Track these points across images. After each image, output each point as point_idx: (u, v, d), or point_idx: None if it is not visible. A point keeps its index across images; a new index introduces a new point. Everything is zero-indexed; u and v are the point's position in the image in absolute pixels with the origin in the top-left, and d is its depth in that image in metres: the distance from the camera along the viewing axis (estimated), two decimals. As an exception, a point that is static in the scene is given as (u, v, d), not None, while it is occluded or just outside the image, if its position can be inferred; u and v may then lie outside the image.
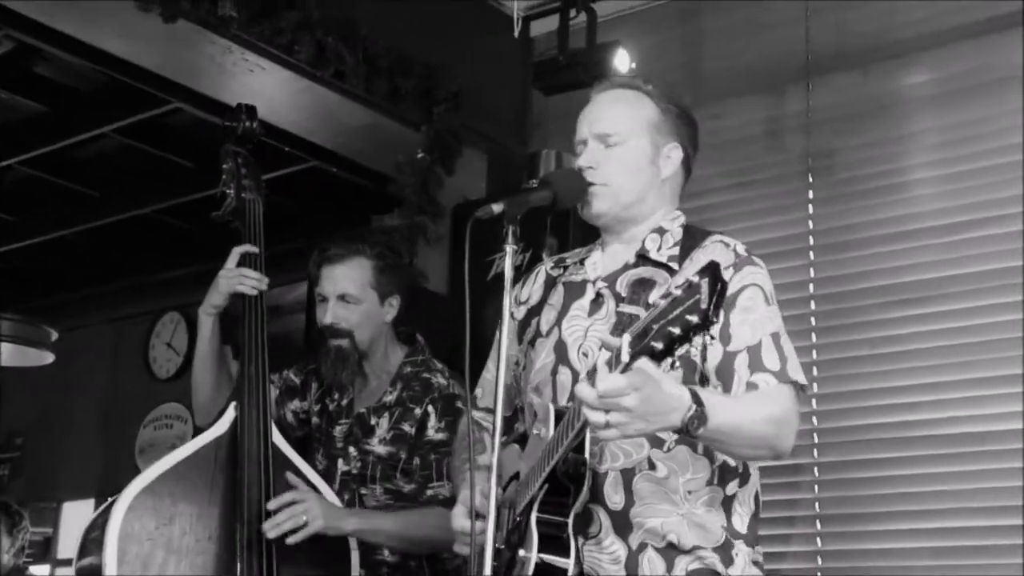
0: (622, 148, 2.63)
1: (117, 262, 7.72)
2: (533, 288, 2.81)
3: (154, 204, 6.74)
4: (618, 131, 2.63)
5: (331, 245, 3.57)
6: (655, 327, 1.98)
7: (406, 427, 3.44)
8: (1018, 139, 4.16)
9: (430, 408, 3.43)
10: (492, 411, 2.73)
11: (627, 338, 2.03)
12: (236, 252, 3.38)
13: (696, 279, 1.95)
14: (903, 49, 4.45)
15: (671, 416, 2.17)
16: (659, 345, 1.98)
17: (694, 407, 2.17)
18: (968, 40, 4.31)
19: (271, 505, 3.09)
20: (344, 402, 3.57)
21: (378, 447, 3.45)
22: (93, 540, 2.98)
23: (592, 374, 2.15)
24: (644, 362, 2.05)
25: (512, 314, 2.35)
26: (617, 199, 2.62)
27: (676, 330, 1.96)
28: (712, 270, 1.95)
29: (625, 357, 2.03)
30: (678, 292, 1.97)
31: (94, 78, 5.45)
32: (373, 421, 3.48)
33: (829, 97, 4.58)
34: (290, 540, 3.07)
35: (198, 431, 3.31)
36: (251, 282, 3.32)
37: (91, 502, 7.48)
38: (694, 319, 1.94)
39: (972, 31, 4.29)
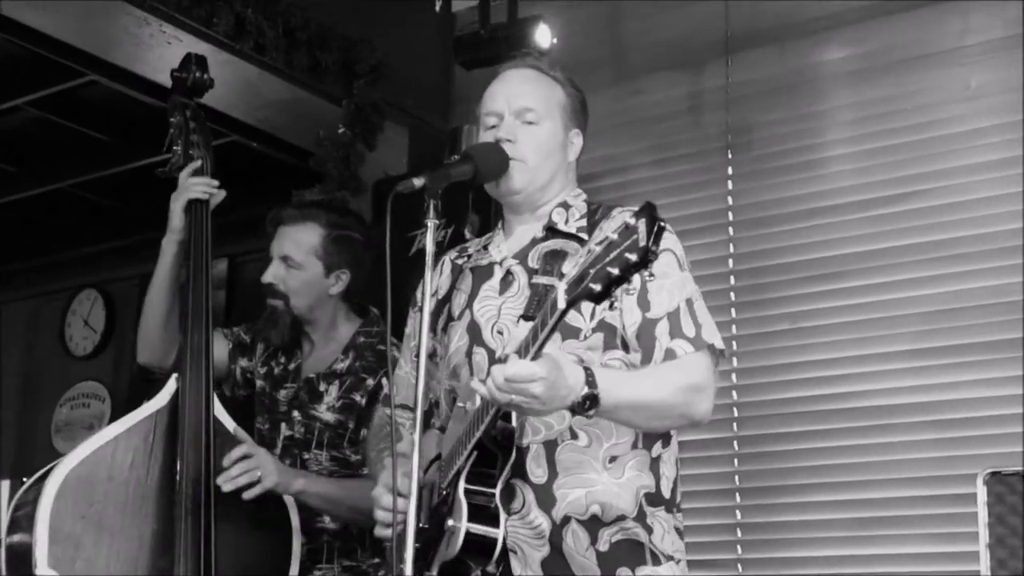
0: (539, 128, 2.64)
1: (32, 238, 7.58)
2: (440, 279, 2.81)
3: (70, 179, 6.61)
4: (537, 108, 2.64)
5: (288, 205, 3.51)
6: (592, 271, 2.01)
7: (356, 397, 3.41)
8: (931, 117, 4.23)
9: (384, 381, 3.37)
10: (408, 408, 2.75)
11: (562, 286, 2.05)
12: (188, 169, 3.31)
13: (633, 221, 1.98)
14: (819, 26, 4.51)
15: (567, 399, 2.24)
16: (597, 287, 2.01)
17: (585, 389, 2.23)
18: (881, 18, 4.37)
19: (225, 461, 3.05)
20: (291, 366, 3.54)
21: (326, 414, 3.42)
22: (24, 516, 2.89)
23: (503, 360, 2.21)
24: (551, 348, 2.17)
25: (421, 307, 2.34)
26: (534, 178, 2.63)
27: (615, 270, 1.98)
28: (649, 210, 1.97)
29: (562, 304, 2.07)
30: (614, 236, 1.99)
31: (7, 49, 5.32)
32: (322, 387, 3.45)
33: (747, 73, 4.63)
34: (247, 495, 3.05)
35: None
36: (201, 186, 3.25)
37: (6, 483, 7.34)
38: (633, 257, 1.97)
39: (885, 9, 4.36)
